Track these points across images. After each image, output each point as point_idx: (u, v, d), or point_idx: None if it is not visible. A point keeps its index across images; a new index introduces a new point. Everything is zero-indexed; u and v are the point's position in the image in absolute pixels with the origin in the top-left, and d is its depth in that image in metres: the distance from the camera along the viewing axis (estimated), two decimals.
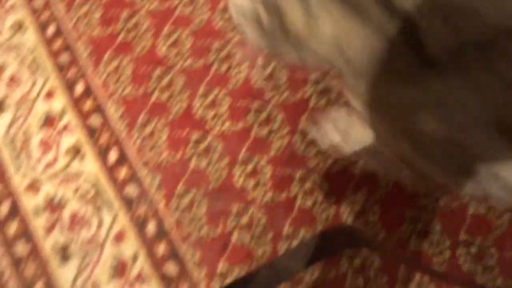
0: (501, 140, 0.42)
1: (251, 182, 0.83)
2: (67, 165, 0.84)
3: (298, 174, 0.84)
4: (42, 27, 0.95)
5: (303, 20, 0.43)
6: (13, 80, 0.90)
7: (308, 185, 0.83)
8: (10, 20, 0.95)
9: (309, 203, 0.82)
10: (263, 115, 0.87)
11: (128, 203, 0.82)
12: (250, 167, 0.84)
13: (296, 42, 0.45)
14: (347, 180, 0.84)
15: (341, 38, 0.42)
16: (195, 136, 0.86)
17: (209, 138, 0.86)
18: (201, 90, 0.90)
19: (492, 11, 0.36)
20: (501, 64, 0.38)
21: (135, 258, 0.78)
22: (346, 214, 0.81)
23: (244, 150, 0.85)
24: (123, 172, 0.84)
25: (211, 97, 0.89)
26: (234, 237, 0.80)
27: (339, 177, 0.84)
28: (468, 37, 0.37)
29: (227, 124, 0.87)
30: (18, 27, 0.94)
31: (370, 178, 0.83)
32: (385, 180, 0.83)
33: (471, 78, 0.40)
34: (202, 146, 0.86)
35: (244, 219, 0.81)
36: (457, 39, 0.37)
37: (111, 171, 0.84)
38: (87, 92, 0.90)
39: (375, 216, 0.81)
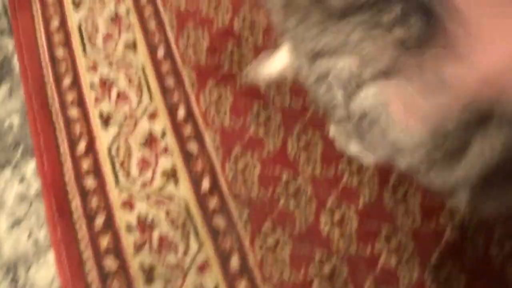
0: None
1: (337, 231, 0.82)
2: (162, 187, 0.86)
3: (384, 230, 0.82)
4: (153, 48, 0.99)
5: None
6: (121, 97, 0.94)
7: (394, 243, 0.81)
8: (124, 38, 0.99)
9: (393, 262, 0.80)
10: (355, 165, 0.87)
11: (215, 233, 0.82)
12: (337, 216, 0.83)
13: None
14: (435, 243, 0.81)
15: None
16: (286, 176, 0.87)
17: (300, 180, 0.86)
18: (296, 130, 0.90)
19: None
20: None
21: None
22: (429, 281, 0.78)
23: (333, 197, 0.85)
24: (213, 202, 0.85)
25: (305, 139, 0.90)
26: (315, 285, 0.78)
27: (427, 240, 0.82)
28: None
29: (318, 168, 0.87)
30: (131, 45, 0.99)
31: (459, 246, 0.81)
32: (474, 251, 0.80)
33: None
34: (292, 187, 0.86)
35: (326, 268, 0.80)
36: None
37: (202, 199, 0.85)
38: (188, 117, 0.92)
39: (460, 286, 0.78)
